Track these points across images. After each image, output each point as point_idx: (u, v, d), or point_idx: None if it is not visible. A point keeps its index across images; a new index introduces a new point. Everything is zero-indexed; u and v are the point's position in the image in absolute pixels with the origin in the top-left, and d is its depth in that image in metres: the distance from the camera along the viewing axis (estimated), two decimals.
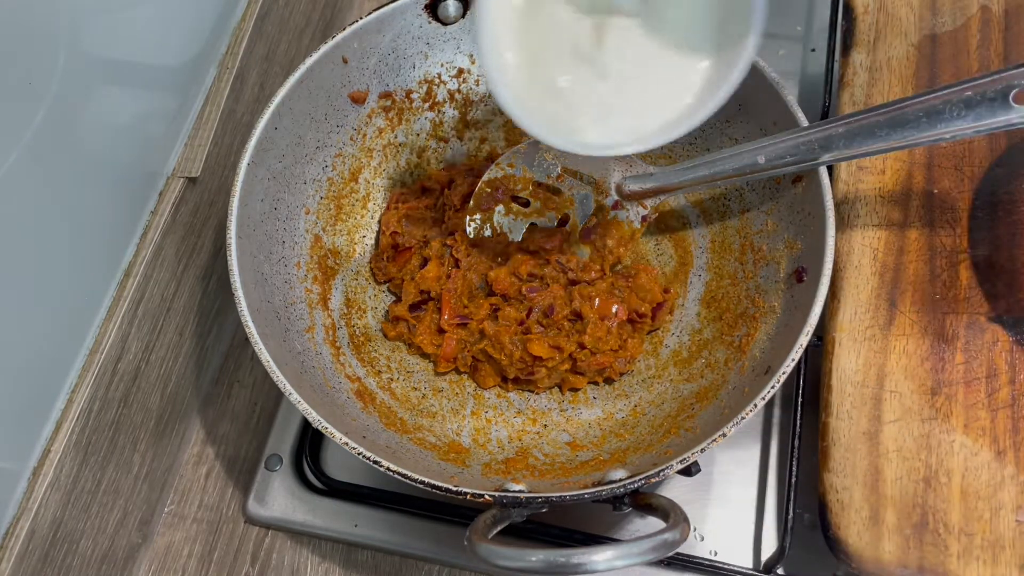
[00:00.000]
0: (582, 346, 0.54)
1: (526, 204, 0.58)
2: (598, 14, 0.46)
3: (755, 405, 0.43)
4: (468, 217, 0.57)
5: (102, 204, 0.49)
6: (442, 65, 0.59)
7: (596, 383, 0.56)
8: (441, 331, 0.56)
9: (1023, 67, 0.41)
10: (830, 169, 0.50)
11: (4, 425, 0.44)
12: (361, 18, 0.54)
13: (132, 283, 0.51)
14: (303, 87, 0.53)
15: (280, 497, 0.56)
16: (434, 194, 0.60)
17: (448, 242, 0.57)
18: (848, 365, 0.49)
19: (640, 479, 0.42)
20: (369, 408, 0.52)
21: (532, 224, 0.58)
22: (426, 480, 0.43)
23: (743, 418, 0.42)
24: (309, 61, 0.52)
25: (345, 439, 0.44)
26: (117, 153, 0.49)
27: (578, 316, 0.54)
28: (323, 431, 0.44)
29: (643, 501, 0.45)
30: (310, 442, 0.57)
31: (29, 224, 0.43)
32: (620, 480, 0.43)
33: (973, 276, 0.50)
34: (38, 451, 0.46)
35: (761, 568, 0.51)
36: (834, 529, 0.46)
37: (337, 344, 0.55)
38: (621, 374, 0.55)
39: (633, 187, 0.56)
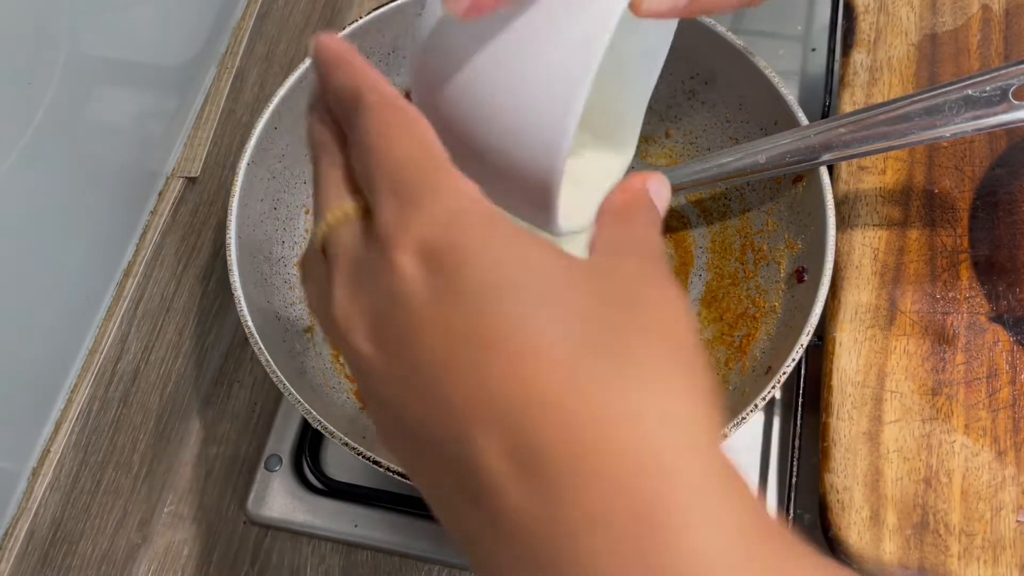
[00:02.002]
0: None
1: None
2: None
3: (755, 405, 0.43)
4: None
5: (101, 204, 0.49)
6: None
7: None
8: None
9: (1023, 64, 0.41)
10: (830, 169, 0.50)
11: (3, 425, 0.44)
12: (361, 18, 0.54)
13: (131, 283, 0.51)
14: (303, 87, 0.53)
15: (280, 497, 0.56)
16: None
17: None
18: (848, 365, 0.48)
19: None
20: None
21: None
22: None
23: (743, 418, 0.42)
24: (309, 61, 0.52)
25: (345, 439, 0.43)
26: (116, 153, 0.49)
27: None
28: (323, 431, 0.44)
29: None
30: (310, 442, 0.57)
31: (28, 224, 0.43)
32: None
33: (974, 276, 0.50)
34: (37, 451, 0.46)
35: None
36: (834, 529, 0.46)
37: None
38: None
39: None
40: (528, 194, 0.27)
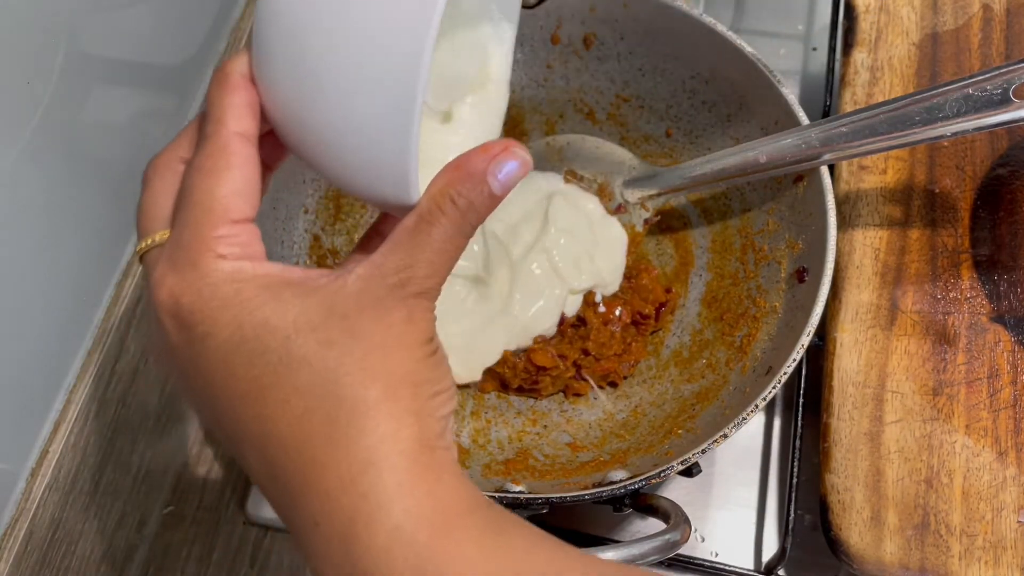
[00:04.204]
0: (586, 352, 0.53)
1: None
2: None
3: (756, 406, 0.42)
4: None
5: (100, 204, 0.49)
6: None
7: (600, 387, 0.55)
8: None
9: (1023, 63, 0.41)
10: (831, 168, 0.50)
11: (2, 426, 0.44)
12: None
13: (130, 283, 0.51)
14: None
15: None
16: None
17: None
18: (849, 365, 0.48)
19: (641, 480, 0.42)
20: None
21: None
22: None
23: (744, 419, 0.42)
24: None
25: None
26: (115, 153, 0.49)
27: (581, 321, 0.54)
28: None
29: (644, 502, 0.44)
30: None
31: (27, 224, 0.43)
32: (621, 481, 0.43)
33: (975, 276, 0.50)
34: (36, 452, 0.46)
35: (762, 569, 0.51)
36: (835, 530, 0.45)
37: None
38: (624, 377, 0.55)
39: (636, 190, 0.55)
40: (383, 163, 0.28)
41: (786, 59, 0.67)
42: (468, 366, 0.54)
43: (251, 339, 0.27)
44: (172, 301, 0.28)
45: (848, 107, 0.55)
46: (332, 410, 0.27)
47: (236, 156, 0.28)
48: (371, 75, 0.26)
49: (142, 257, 0.30)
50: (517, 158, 0.28)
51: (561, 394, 0.55)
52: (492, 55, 0.36)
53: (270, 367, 0.27)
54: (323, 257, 0.57)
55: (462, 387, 0.56)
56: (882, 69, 0.56)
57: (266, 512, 0.56)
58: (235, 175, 0.28)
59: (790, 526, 0.49)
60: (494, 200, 0.28)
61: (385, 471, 0.26)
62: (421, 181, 0.28)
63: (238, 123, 0.29)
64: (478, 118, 0.36)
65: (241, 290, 0.27)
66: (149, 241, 0.30)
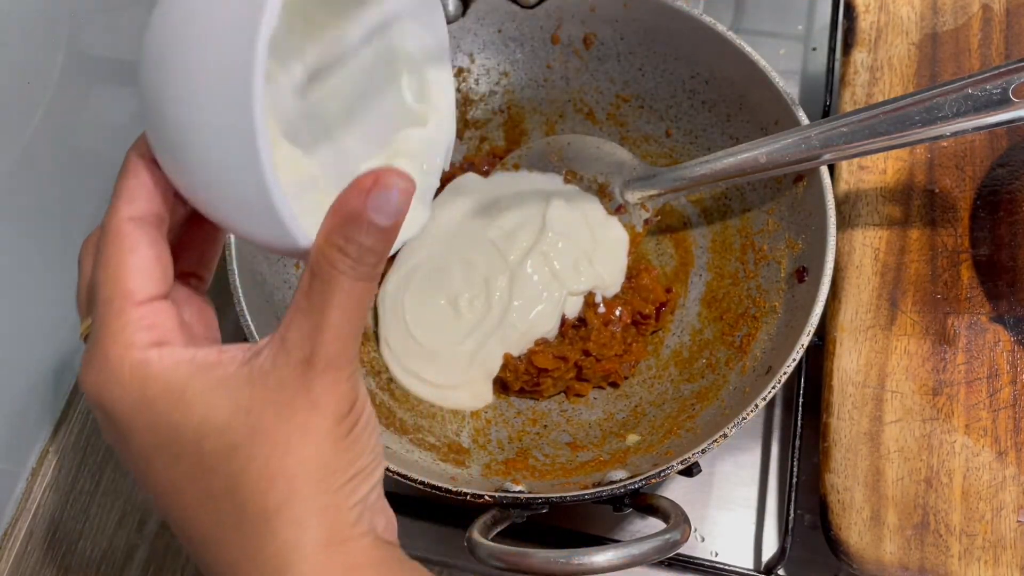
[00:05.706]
0: (587, 353, 0.53)
1: None
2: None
3: (756, 405, 0.42)
4: None
5: (101, 204, 0.49)
6: None
7: (601, 387, 0.55)
8: None
9: (1023, 62, 0.41)
10: (831, 168, 0.50)
11: (3, 426, 0.44)
12: None
13: None
14: None
15: None
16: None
17: None
18: (849, 365, 0.48)
19: (640, 480, 0.42)
20: None
21: None
22: (426, 480, 0.43)
23: (744, 418, 0.42)
24: None
25: None
26: (115, 152, 0.49)
27: (582, 322, 0.54)
28: None
29: (644, 502, 0.44)
30: None
31: (28, 224, 0.43)
32: (620, 481, 0.43)
33: (975, 276, 0.50)
34: (37, 452, 0.46)
35: (762, 569, 0.51)
36: (835, 530, 0.45)
37: None
38: (625, 378, 0.55)
39: (636, 191, 0.55)
40: (258, 211, 0.27)
41: (786, 59, 0.67)
42: (476, 393, 0.54)
43: (164, 445, 0.28)
44: (95, 400, 0.28)
45: (848, 107, 0.55)
46: (239, 517, 0.27)
47: (128, 239, 0.28)
48: (215, 119, 0.26)
49: (86, 339, 0.31)
50: (391, 186, 0.26)
51: (562, 394, 0.55)
52: (431, 83, 0.36)
53: (187, 473, 0.28)
54: None
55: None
56: (882, 69, 0.56)
57: None
58: (130, 259, 0.28)
59: (790, 526, 0.49)
60: (386, 235, 0.26)
61: None
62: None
63: (129, 207, 0.29)
64: (422, 153, 0.36)
65: (147, 391, 0.28)
66: (88, 323, 0.30)
